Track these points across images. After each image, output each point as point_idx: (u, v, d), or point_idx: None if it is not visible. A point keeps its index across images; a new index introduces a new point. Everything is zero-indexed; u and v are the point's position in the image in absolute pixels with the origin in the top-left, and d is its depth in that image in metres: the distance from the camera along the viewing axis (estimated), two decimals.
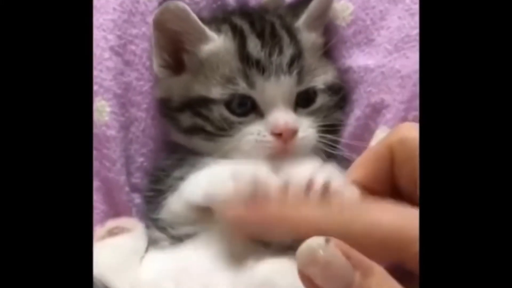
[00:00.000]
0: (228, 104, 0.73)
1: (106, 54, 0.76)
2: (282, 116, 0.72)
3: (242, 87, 0.73)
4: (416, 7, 0.74)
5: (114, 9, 0.77)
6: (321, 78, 0.77)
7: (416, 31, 0.74)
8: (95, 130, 0.75)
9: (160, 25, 0.76)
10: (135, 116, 0.79)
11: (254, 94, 0.73)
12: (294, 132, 0.72)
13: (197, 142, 0.75)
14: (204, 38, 0.75)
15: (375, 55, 0.77)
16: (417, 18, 0.74)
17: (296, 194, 0.56)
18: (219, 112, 0.73)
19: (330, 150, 0.74)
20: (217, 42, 0.75)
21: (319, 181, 0.57)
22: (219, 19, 0.80)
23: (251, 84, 0.73)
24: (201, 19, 0.76)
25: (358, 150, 0.75)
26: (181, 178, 0.69)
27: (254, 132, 0.72)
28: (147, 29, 0.79)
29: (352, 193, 0.56)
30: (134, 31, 0.79)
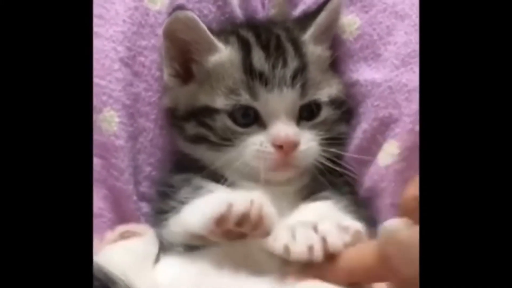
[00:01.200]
0: (231, 114, 0.74)
1: (116, 65, 0.77)
2: (283, 128, 0.73)
3: (245, 98, 0.73)
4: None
5: (124, 21, 0.78)
6: (325, 91, 0.77)
7: None
8: (104, 140, 0.76)
9: (170, 35, 0.77)
10: (143, 126, 0.79)
11: (257, 106, 0.73)
12: (295, 145, 0.72)
13: (202, 151, 0.76)
14: (212, 49, 0.76)
15: (382, 69, 0.77)
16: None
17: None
18: (223, 122, 0.74)
19: (331, 165, 0.74)
20: (223, 53, 0.76)
21: (317, 248, 0.60)
22: (227, 31, 0.80)
23: (254, 95, 0.73)
24: (210, 30, 0.77)
25: (363, 164, 0.76)
26: (183, 202, 0.69)
27: (257, 143, 0.73)
28: (156, 41, 0.80)
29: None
30: (144, 43, 0.80)
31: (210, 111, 0.75)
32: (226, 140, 0.74)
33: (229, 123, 0.74)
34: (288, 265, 0.63)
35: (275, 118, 0.73)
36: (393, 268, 0.51)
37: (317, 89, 0.76)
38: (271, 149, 0.72)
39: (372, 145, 0.76)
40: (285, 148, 0.72)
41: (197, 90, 0.77)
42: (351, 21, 0.80)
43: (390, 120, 0.75)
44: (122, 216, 0.77)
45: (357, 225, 0.63)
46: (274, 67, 0.74)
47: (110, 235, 0.72)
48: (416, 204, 0.56)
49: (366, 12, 0.79)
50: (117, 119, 0.77)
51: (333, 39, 0.81)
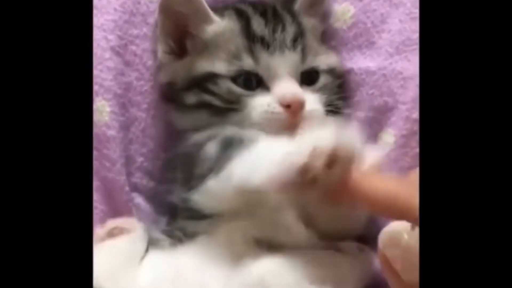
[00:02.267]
0: (234, 80, 0.74)
1: (107, 54, 0.76)
2: (289, 87, 0.72)
3: (247, 62, 0.73)
4: (416, 11, 0.75)
5: (115, 9, 0.78)
6: (323, 59, 0.77)
7: (417, 35, 0.74)
8: (95, 130, 0.75)
9: (166, 8, 0.76)
10: (135, 116, 0.79)
11: (260, 70, 0.73)
12: (302, 104, 0.71)
13: (204, 118, 0.74)
14: (208, 20, 0.76)
15: (376, 57, 0.77)
16: (418, 21, 0.74)
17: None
18: (226, 86, 0.73)
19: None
20: (221, 24, 0.76)
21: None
22: (222, 8, 0.80)
23: (256, 59, 0.73)
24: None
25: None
26: (223, 158, 0.64)
27: (264, 104, 0.72)
28: (148, 30, 0.79)
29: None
30: (135, 32, 0.79)
31: (212, 77, 0.74)
32: (231, 103, 0.73)
33: (233, 86, 0.73)
34: None
35: (279, 80, 0.73)
36: (396, 273, 0.50)
37: (315, 56, 0.76)
38: (279, 109, 0.71)
39: (368, 135, 0.75)
40: (293, 107, 0.71)
41: (194, 61, 0.76)
42: (345, 9, 0.80)
43: (385, 108, 0.74)
44: (114, 207, 0.77)
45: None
46: (274, 31, 0.74)
47: (99, 231, 0.71)
48: None
49: (360, 0, 0.79)
50: (108, 109, 0.76)
51: (326, 28, 0.81)
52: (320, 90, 0.76)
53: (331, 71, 0.78)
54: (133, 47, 0.79)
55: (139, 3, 0.79)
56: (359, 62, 0.78)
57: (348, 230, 0.67)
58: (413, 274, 0.48)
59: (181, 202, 0.68)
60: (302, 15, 0.78)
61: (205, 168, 0.66)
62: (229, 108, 0.73)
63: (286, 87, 0.72)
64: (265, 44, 0.73)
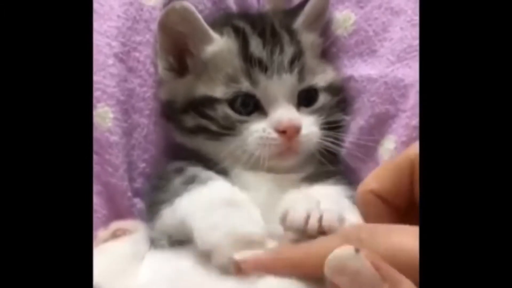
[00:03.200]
0: (231, 103, 0.74)
1: (110, 61, 0.77)
2: (285, 113, 0.73)
3: (245, 85, 0.74)
4: (417, 18, 0.75)
5: (118, 16, 0.78)
6: (321, 77, 0.78)
7: (418, 42, 0.74)
8: (98, 136, 0.75)
9: (165, 27, 0.77)
10: (137, 122, 0.79)
11: (257, 93, 0.74)
12: (297, 129, 0.72)
13: (202, 142, 0.76)
14: (207, 39, 0.76)
15: (378, 65, 0.77)
16: (418, 29, 0.74)
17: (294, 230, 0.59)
18: (223, 111, 0.74)
19: (334, 147, 0.75)
20: (220, 43, 0.76)
21: (313, 218, 0.58)
22: (221, 23, 0.80)
23: (254, 82, 0.73)
24: (206, 22, 0.77)
25: (361, 159, 0.75)
26: (176, 193, 0.69)
27: (259, 130, 0.73)
28: (150, 36, 0.79)
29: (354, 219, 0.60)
30: (138, 38, 0.79)
31: (210, 101, 0.75)
32: (227, 129, 0.74)
33: (229, 112, 0.74)
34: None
35: (276, 104, 0.73)
36: None
37: (313, 75, 0.77)
38: (274, 135, 0.72)
39: (369, 142, 0.76)
40: (289, 133, 0.72)
41: (194, 82, 0.77)
42: (346, 16, 0.80)
43: (387, 116, 0.75)
44: (116, 212, 0.77)
45: (355, 220, 0.62)
46: (272, 53, 0.74)
47: (102, 233, 0.71)
48: (372, 197, 0.56)
49: (361, 7, 0.79)
50: (111, 115, 0.76)
51: (328, 35, 0.81)
52: (319, 110, 0.76)
53: (330, 88, 0.78)
54: (136, 54, 0.79)
55: (142, 9, 0.80)
56: (360, 69, 0.79)
57: None
58: None
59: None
60: (301, 32, 0.79)
61: (162, 198, 0.70)
62: (225, 134, 0.74)
63: (282, 112, 0.73)
64: (263, 67, 0.74)
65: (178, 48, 0.78)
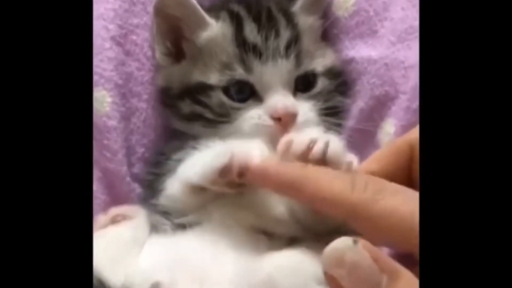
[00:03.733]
0: (226, 90, 0.73)
1: (107, 44, 0.76)
2: (280, 100, 0.72)
3: (239, 72, 0.73)
4: None
5: None
6: (320, 61, 0.77)
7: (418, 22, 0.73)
8: (96, 120, 0.74)
9: (160, 11, 0.76)
10: (136, 107, 0.78)
11: (252, 79, 0.73)
12: (293, 116, 0.71)
13: (198, 129, 0.75)
14: (202, 24, 0.75)
15: (378, 46, 0.76)
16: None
17: (297, 154, 0.57)
18: (218, 98, 0.73)
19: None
20: (214, 28, 0.75)
21: (319, 143, 0.57)
22: (217, 7, 0.80)
23: (248, 69, 0.72)
24: (201, 7, 0.76)
25: (361, 143, 0.74)
26: (180, 161, 0.68)
27: (255, 117, 0.72)
28: (148, 19, 0.79)
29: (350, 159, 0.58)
30: (135, 21, 0.78)
31: (205, 88, 0.74)
32: (223, 116, 0.73)
33: (224, 99, 0.73)
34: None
35: (271, 90, 0.72)
36: None
37: (311, 59, 0.76)
38: (269, 122, 0.71)
39: (370, 125, 0.75)
40: (284, 120, 0.71)
41: (190, 68, 0.76)
42: None
43: (386, 98, 0.74)
44: (115, 198, 0.76)
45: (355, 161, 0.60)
46: (267, 38, 0.73)
47: (101, 219, 0.71)
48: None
49: None
50: (109, 99, 0.75)
51: (328, 15, 0.80)
52: (317, 95, 0.75)
53: (329, 72, 0.77)
54: (134, 37, 0.78)
55: None
56: (361, 51, 0.78)
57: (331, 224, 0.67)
58: None
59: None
60: (299, 16, 0.77)
61: (164, 171, 0.69)
62: (221, 121, 0.73)
63: (277, 99, 0.72)
64: (257, 52, 0.72)
65: (174, 33, 0.77)
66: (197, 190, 0.65)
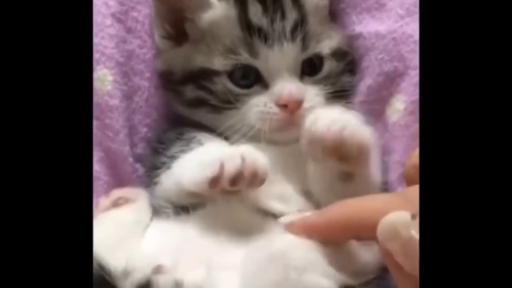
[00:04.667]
0: (231, 75, 0.71)
1: (108, 21, 0.74)
2: (286, 86, 0.70)
3: (244, 57, 0.71)
4: None
5: None
6: (326, 43, 0.74)
7: None
8: (97, 100, 0.73)
9: None
10: (138, 85, 0.77)
11: (258, 64, 0.71)
12: (299, 103, 0.70)
13: (202, 115, 0.73)
14: (205, 5, 0.73)
15: (387, 20, 0.74)
16: None
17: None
18: (223, 84, 0.71)
19: None
20: (217, 10, 0.73)
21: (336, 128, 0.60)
22: None
23: (254, 53, 0.70)
24: None
25: (370, 121, 0.73)
26: (174, 157, 0.68)
27: (260, 104, 0.70)
28: None
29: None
30: None
31: (209, 73, 0.72)
32: (228, 103, 0.71)
33: (229, 85, 0.71)
34: None
35: (277, 76, 0.70)
36: (398, 265, 0.48)
37: (318, 41, 0.74)
38: (275, 109, 0.69)
39: (378, 101, 0.73)
40: (290, 107, 0.69)
41: (192, 52, 0.74)
42: None
43: (395, 74, 0.72)
44: (118, 178, 0.75)
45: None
46: (272, 20, 0.71)
47: (103, 202, 0.70)
48: (416, 171, 0.54)
49: None
50: (110, 78, 0.74)
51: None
52: (325, 78, 0.73)
53: (336, 53, 0.75)
54: (135, 13, 0.76)
55: None
56: (368, 26, 0.76)
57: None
58: (416, 265, 0.46)
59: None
60: None
61: (161, 163, 0.69)
62: (226, 107, 0.72)
63: (284, 85, 0.70)
64: (263, 36, 0.70)
65: (175, 15, 0.75)
66: (191, 192, 0.65)
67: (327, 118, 0.62)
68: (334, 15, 0.79)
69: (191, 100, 0.74)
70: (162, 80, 0.77)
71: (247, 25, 0.71)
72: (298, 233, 0.57)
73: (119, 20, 0.75)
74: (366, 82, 0.75)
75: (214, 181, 0.61)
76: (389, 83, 0.73)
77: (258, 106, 0.70)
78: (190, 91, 0.74)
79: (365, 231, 0.52)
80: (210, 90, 0.72)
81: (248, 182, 0.61)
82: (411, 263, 0.46)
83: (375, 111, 0.74)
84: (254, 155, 0.62)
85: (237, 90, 0.71)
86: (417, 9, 0.72)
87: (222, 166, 0.60)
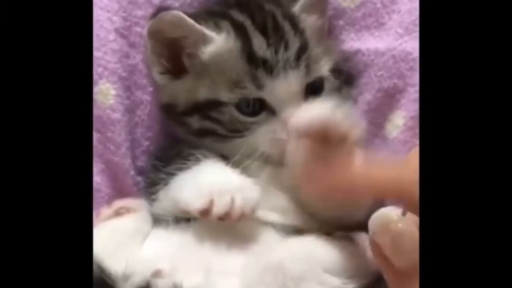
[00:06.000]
0: (238, 105, 0.71)
1: (111, 36, 0.75)
2: (294, 113, 0.69)
3: (250, 90, 0.71)
4: None
5: None
6: (325, 62, 0.75)
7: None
8: (99, 113, 0.73)
9: (156, 35, 0.74)
10: (140, 99, 0.77)
11: (264, 95, 0.71)
12: None
13: (210, 144, 0.73)
14: (204, 40, 0.73)
15: (386, 38, 0.75)
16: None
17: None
18: (230, 114, 0.71)
19: None
20: (218, 43, 0.73)
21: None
22: (217, 14, 0.77)
23: (259, 86, 0.70)
24: (198, 15, 0.75)
25: (369, 136, 0.74)
26: (173, 174, 0.68)
27: (270, 131, 0.70)
28: (152, 10, 0.77)
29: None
30: (140, 13, 0.77)
31: (216, 104, 0.72)
32: (235, 132, 0.72)
33: (237, 114, 0.71)
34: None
35: (285, 103, 0.70)
36: (387, 259, 0.49)
37: (319, 63, 0.74)
38: (285, 136, 0.69)
39: (377, 117, 0.74)
40: None
41: (195, 84, 0.74)
42: None
43: (395, 90, 0.73)
44: (119, 191, 0.76)
45: None
46: (276, 51, 0.71)
47: (105, 211, 0.71)
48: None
49: None
50: (113, 92, 0.74)
51: (333, 8, 0.79)
52: (327, 95, 0.74)
53: (334, 71, 0.75)
54: (138, 29, 0.77)
55: None
56: (367, 42, 0.77)
57: (350, 218, 0.67)
58: (404, 260, 0.48)
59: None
60: (303, 17, 0.75)
61: (159, 180, 0.70)
62: (233, 136, 0.72)
63: (291, 112, 0.70)
64: (268, 67, 0.70)
65: (172, 51, 0.75)
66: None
67: (311, 110, 0.63)
68: (332, 31, 0.80)
69: (198, 130, 0.74)
70: (165, 112, 0.77)
71: (251, 58, 0.71)
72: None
73: (123, 35, 0.76)
74: (365, 98, 0.76)
75: (204, 214, 0.62)
76: (388, 99, 0.74)
77: (268, 133, 0.71)
78: (196, 122, 0.73)
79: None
80: (218, 120, 0.72)
81: (235, 220, 0.63)
82: (399, 257, 0.48)
83: (374, 126, 0.74)
84: (244, 193, 0.63)
85: (245, 118, 0.71)
86: (415, 28, 0.73)
87: (211, 202, 0.62)
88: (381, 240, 0.49)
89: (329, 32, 0.79)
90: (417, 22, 0.73)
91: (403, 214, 0.48)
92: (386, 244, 0.49)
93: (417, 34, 0.72)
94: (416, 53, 0.72)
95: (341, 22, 0.79)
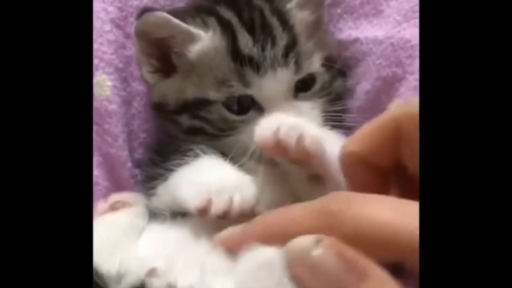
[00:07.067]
0: (226, 104, 0.71)
1: (107, 27, 0.75)
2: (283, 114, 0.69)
3: (237, 88, 0.70)
4: None
5: None
6: (317, 57, 0.74)
7: None
8: (96, 105, 0.73)
9: (143, 35, 0.74)
10: (137, 91, 0.77)
11: (252, 92, 0.70)
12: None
13: (201, 141, 0.72)
14: (191, 38, 0.72)
15: (384, 26, 0.74)
16: None
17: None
18: (219, 112, 0.71)
19: (338, 122, 0.72)
20: (205, 41, 0.72)
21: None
22: (204, 10, 0.76)
23: (246, 83, 0.70)
24: (187, 11, 0.75)
25: (370, 119, 0.73)
26: (171, 169, 0.68)
27: None
28: (148, 1, 0.77)
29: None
30: (135, 3, 0.77)
31: (204, 103, 0.72)
32: (224, 130, 0.71)
33: (225, 113, 0.71)
34: None
35: (273, 101, 0.70)
36: None
37: (309, 60, 0.73)
38: None
39: (376, 106, 0.73)
40: None
41: (183, 83, 0.74)
42: None
43: (394, 79, 0.72)
44: (117, 183, 0.75)
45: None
46: (263, 49, 0.70)
47: (101, 206, 0.70)
48: (353, 159, 0.53)
49: None
50: (109, 83, 0.74)
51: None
52: (319, 90, 0.73)
53: (326, 62, 0.74)
54: (134, 19, 0.76)
55: None
56: (365, 31, 0.76)
57: None
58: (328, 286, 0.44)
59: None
60: (294, 13, 0.74)
61: (158, 174, 0.70)
62: (223, 135, 0.71)
63: (280, 110, 0.70)
64: (255, 65, 0.69)
65: (161, 50, 0.74)
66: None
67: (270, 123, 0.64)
68: (329, 20, 0.79)
69: (188, 128, 0.73)
70: (157, 111, 0.77)
71: (237, 56, 0.70)
72: (230, 247, 0.56)
73: (118, 26, 0.75)
74: (363, 87, 0.75)
75: (202, 212, 0.62)
76: (387, 88, 0.73)
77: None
78: (186, 120, 0.73)
79: (278, 241, 0.49)
80: (206, 119, 0.72)
81: (234, 216, 0.62)
82: (325, 284, 0.44)
83: (374, 115, 0.74)
84: (243, 192, 0.63)
85: (234, 117, 0.71)
86: (414, 14, 0.72)
87: (209, 201, 0.61)
88: (299, 273, 0.45)
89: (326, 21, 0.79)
90: (416, 8, 0.72)
91: (317, 242, 0.44)
92: (305, 275, 0.45)
93: (416, 21, 0.71)
94: (415, 40, 0.71)
95: (338, 11, 0.79)
